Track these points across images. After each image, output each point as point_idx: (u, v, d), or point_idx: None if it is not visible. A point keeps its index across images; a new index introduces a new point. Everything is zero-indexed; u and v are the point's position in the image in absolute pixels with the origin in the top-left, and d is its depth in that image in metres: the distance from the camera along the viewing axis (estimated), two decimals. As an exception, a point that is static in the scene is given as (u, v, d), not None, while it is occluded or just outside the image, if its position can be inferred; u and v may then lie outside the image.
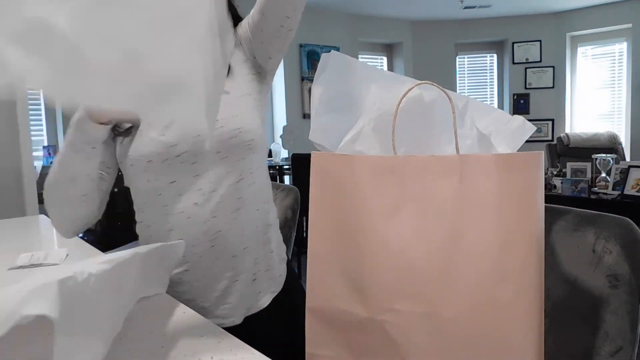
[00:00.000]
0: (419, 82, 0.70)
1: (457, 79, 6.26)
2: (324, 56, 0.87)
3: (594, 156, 3.16)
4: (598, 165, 3.10)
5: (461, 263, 0.64)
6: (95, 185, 0.86)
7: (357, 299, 0.71)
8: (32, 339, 0.53)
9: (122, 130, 0.86)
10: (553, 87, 5.85)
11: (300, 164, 3.67)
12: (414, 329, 0.67)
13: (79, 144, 0.80)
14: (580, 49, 5.77)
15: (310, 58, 5.34)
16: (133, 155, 0.83)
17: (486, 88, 6.38)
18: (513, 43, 5.82)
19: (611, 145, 4.71)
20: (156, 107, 0.54)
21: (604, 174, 3.07)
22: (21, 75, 0.49)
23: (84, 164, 0.81)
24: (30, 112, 2.87)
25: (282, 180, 4.46)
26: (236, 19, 0.95)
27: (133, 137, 0.84)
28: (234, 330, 0.69)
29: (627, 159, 4.98)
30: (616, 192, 2.89)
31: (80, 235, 3.97)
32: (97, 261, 0.54)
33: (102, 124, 0.79)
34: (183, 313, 0.74)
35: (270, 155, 4.80)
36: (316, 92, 0.84)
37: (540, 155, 0.65)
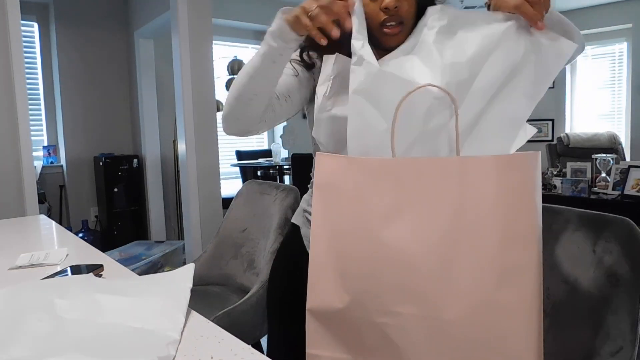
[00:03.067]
0: (421, 84, 0.70)
1: (457, 79, 6.23)
2: (326, 57, 0.87)
3: (594, 156, 3.16)
4: (598, 165, 3.10)
5: (461, 265, 0.64)
6: (268, 93, 0.91)
7: (357, 301, 0.70)
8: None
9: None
10: (553, 87, 5.84)
11: (300, 164, 3.67)
12: (413, 331, 0.67)
13: (273, 54, 0.85)
14: (580, 49, 5.77)
15: (310, 58, 5.33)
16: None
17: (486, 88, 6.34)
18: (513, 43, 5.82)
19: (611, 145, 4.70)
20: None
21: (604, 174, 3.06)
22: None
23: (267, 67, 0.87)
24: (30, 112, 2.87)
25: (282, 180, 4.45)
26: None
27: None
28: None
29: (627, 159, 4.97)
30: (616, 192, 2.89)
31: (80, 235, 3.93)
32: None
33: (299, 36, 0.83)
34: (183, 313, 0.74)
35: (270, 155, 4.80)
36: (320, 90, 0.85)
37: (537, 155, 0.65)
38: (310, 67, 1.00)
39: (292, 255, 1.07)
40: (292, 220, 1.11)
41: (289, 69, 0.98)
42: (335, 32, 0.79)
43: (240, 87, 0.89)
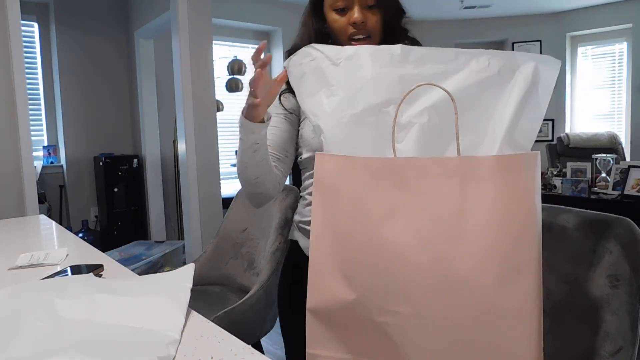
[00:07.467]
0: (421, 83, 0.70)
1: (457, 79, 6.22)
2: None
3: (594, 156, 3.16)
4: (598, 165, 3.10)
5: (461, 265, 0.64)
6: (265, 170, 0.97)
7: (358, 300, 0.70)
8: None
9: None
10: (553, 88, 5.84)
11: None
12: (413, 330, 0.67)
13: (251, 146, 0.92)
14: (580, 49, 5.76)
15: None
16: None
17: (486, 88, 6.34)
18: (513, 43, 5.82)
19: (611, 145, 4.70)
20: None
21: (604, 174, 3.07)
22: None
23: (252, 156, 0.93)
24: (30, 112, 2.87)
25: (282, 180, 4.45)
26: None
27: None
28: None
29: (627, 159, 4.97)
30: (616, 192, 2.89)
31: (80, 235, 3.93)
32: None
33: (259, 122, 0.90)
34: (183, 313, 0.74)
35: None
36: None
37: (537, 155, 0.65)
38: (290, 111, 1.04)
39: (296, 270, 1.07)
40: (292, 238, 1.11)
41: (275, 126, 1.02)
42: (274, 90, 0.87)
43: (242, 175, 0.97)
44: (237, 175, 1.02)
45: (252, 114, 0.88)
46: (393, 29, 0.99)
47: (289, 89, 1.02)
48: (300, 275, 1.04)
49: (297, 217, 1.09)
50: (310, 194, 1.04)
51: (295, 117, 1.04)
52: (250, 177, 0.96)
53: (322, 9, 0.98)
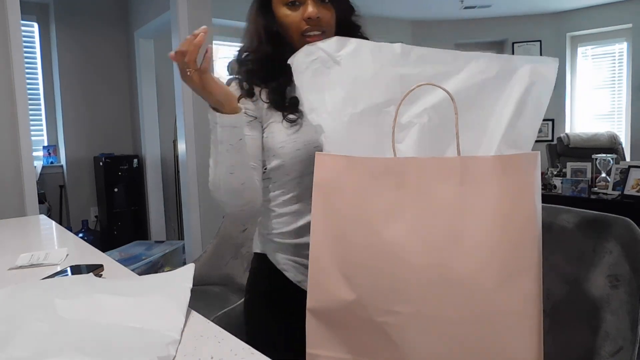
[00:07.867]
0: (421, 83, 0.70)
1: (457, 79, 6.22)
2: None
3: (594, 156, 3.16)
4: (598, 165, 3.10)
5: (461, 265, 0.64)
6: (251, 174, 0.92)
7: (357, 301, 0.70)
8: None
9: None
10: (553, 87, 5.83)
11: (300, 164, 3.65)
12: (413, 330, 0.67)
13: (227, 140, 0.89)
14: (580, 49, 5.76)
15: (310, 58, 5.31)
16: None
17: (486, 88, 6.33)
18: (513, 43, 5.82)
19: (611, 146, 4.70)
20: None
21: (604, 174, 3.07)
22: None
23: (236, 156, 0.89)
24: (30, 112, 2.87)
25: (282, 180, 4.45)
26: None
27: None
28: None
29: (627, 159, 4.97)
30: (616, 192, 2.89)
31: (80, 235, 3.91)
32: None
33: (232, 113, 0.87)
34: (183, 313, 0.74)
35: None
36: None
37: (537, 155, 0.65)
38: (252, 94, 0.98)
39: (266, 284, 1.03)
40: (257, 251, 1.05)
41: (247, 135, 0.95)
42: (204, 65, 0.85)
43: (226, 184, 0.91)
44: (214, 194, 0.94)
45: (214, 96, 0.86)
46: (346, 25, 0.96)
47: (248, 92, 0.97)
48: (272, 290, 1.01)
49: (264, 230, 1.02)
50: (278, 205, 0.99)
51: (259, 123, 0.98)
52: (236, 184, 0.91)
53: (270, 4, 0.94)
